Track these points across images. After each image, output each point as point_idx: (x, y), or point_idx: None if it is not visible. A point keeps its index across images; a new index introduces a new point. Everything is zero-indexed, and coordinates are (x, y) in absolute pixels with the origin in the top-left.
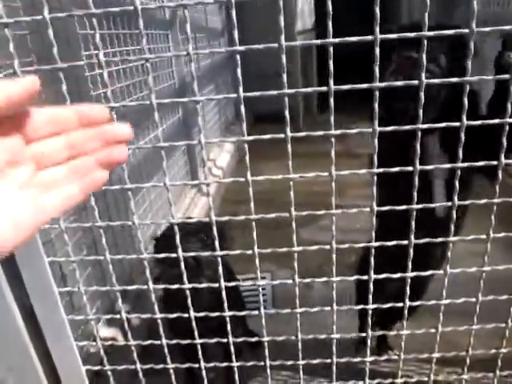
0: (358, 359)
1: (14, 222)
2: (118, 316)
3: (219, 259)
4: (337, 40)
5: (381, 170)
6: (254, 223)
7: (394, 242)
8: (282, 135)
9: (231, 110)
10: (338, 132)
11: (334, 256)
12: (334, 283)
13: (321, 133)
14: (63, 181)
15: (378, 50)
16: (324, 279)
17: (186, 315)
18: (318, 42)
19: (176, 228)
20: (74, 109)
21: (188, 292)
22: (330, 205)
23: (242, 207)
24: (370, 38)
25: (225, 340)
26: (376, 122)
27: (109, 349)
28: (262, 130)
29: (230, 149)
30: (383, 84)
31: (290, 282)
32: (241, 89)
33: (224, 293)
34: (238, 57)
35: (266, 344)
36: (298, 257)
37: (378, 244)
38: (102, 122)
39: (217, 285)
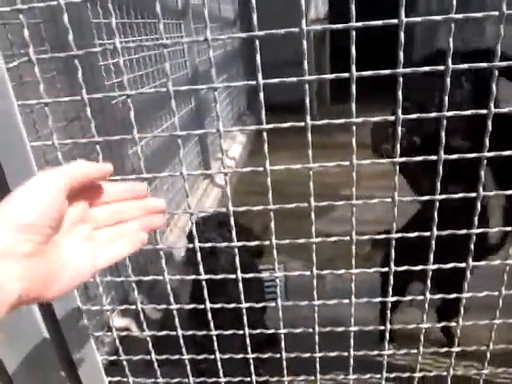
0: (375, 352)
1: (76, 269)
2: (133, 306)
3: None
4: (359, 24)
5: (403, 159)
6: (272, 213)
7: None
8: (302, 123)
9: (243, 100)
10: (360, 120)
11: (354, 247)
12: (354, 275)
13: (342, 121)
14: (113, 240)
15: (402, 35)
16: (342, 271)
17: (217, 305)
18: (341, 26)
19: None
20: (125, 185)
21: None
22: (343, 196)
23: (253, 198)
24: (394, 21)
25: (241, 332)
26: (399, 110)
27: (123, 339)
28: (275, 120)
29: (242, 140)
30: (408, 70)
31: (308, 273)
32: (260, 75)
33: (249, 284)
34: (257, 42)
35: (282, 336)
36: (310, 249)
37: (398, 235)
38: (144, 196)
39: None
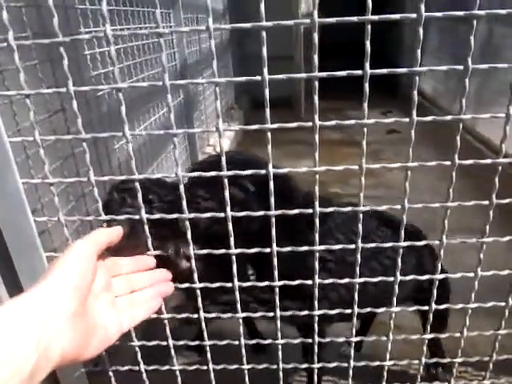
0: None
1: (105, 332)
2: None
3: None
4: (375, 17)
5: (415, 164)
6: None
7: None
8: (310, 123)
9: (231, 94)
10: (372, 121)
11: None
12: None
13: (352, 122)
14: (131, 306)
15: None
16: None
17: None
18: (355, 18)
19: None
20: (135, 259)
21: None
22: (332, 193)
23: None
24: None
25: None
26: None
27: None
28: (260, 115)
29: (229, 134)
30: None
31: (309, 282)
32: (265, 70)
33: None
34: (264, 34)
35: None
36: None
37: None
38: (152, 266)
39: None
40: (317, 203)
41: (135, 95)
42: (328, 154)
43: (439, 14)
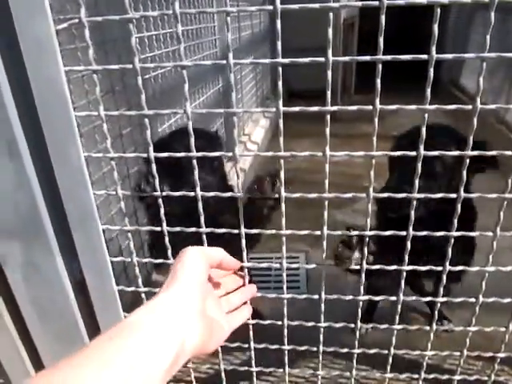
0: (417, 352)
1: (221, 330)
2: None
3: None
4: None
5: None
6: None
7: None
8: (370, 107)
9: (267, 84)
10: (433, 107)
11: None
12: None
13: (413, 107)
14: (230, 309)
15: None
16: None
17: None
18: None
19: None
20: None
21: None
22: (366, 188)
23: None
24: None
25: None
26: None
27: None
28: (297, 106)
29: (264, 124)
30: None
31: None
32: (330, 51)
33: None
34: (331, 15)
35: (321, 330)
36: (329, 239)
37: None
38: (238, 267)
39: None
40: (326, 192)
41: (179, 81)
42: (362, 146)
43: (402, 2)
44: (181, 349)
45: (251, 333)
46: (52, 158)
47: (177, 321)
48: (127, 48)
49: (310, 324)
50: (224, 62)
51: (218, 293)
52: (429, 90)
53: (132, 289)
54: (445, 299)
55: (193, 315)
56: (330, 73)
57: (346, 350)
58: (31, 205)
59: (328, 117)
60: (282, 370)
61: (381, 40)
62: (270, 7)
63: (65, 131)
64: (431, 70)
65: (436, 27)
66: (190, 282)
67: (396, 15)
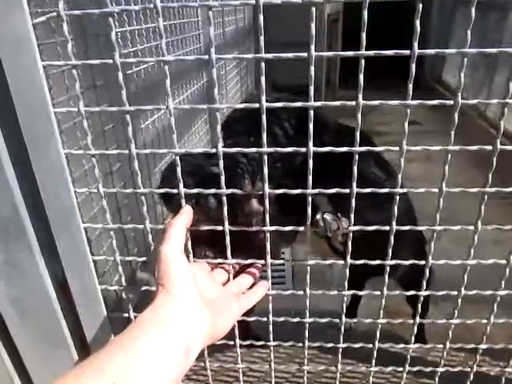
0: (401, 346)
1: (229, 312)
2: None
3: None
4: None
5: (457, 147)
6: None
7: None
8: (353, 102)
9: (251, 79)
10: (416, 102)
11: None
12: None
13: (396, 102)
14: (239, 288)
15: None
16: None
17: None
18: None
19: None
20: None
21: None
22: None
23: None
24: None
25: None
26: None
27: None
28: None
29: None
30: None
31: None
32: (312, 47)
33: None
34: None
35: (306, 326)
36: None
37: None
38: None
39: None
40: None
41: (162, 76)
42: None
43: None
44: (191, 340)
45: (237, 330)
46: (31, 156)
47: (181, 316)
48: (109, 42)
49: (296, 320)
50: (206, 57)
51: (220, 278)
52: (411, 86)
53: (115, 288)
54: (428, 292)
55: (194, 304)
56: (312, 68)
57: (331, 345)
58: (10, 203)
59: (311, 112)
60: (267, 366)
61: (363, 35)
62: (253, 1)
63: (43, 127)
64: (413, 66)
65: (418, 23)
66: (183, 280)
67: (382, 11)
